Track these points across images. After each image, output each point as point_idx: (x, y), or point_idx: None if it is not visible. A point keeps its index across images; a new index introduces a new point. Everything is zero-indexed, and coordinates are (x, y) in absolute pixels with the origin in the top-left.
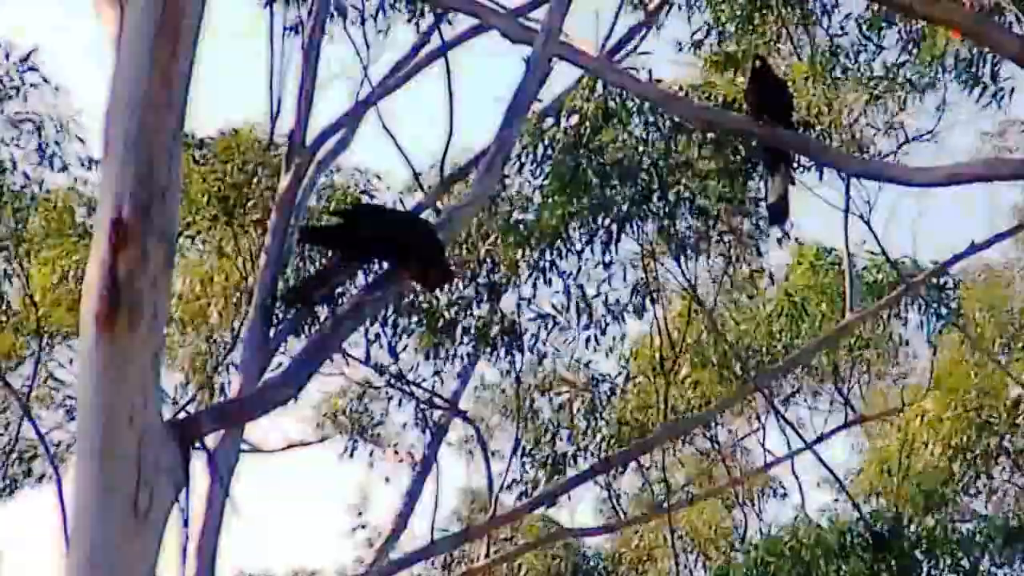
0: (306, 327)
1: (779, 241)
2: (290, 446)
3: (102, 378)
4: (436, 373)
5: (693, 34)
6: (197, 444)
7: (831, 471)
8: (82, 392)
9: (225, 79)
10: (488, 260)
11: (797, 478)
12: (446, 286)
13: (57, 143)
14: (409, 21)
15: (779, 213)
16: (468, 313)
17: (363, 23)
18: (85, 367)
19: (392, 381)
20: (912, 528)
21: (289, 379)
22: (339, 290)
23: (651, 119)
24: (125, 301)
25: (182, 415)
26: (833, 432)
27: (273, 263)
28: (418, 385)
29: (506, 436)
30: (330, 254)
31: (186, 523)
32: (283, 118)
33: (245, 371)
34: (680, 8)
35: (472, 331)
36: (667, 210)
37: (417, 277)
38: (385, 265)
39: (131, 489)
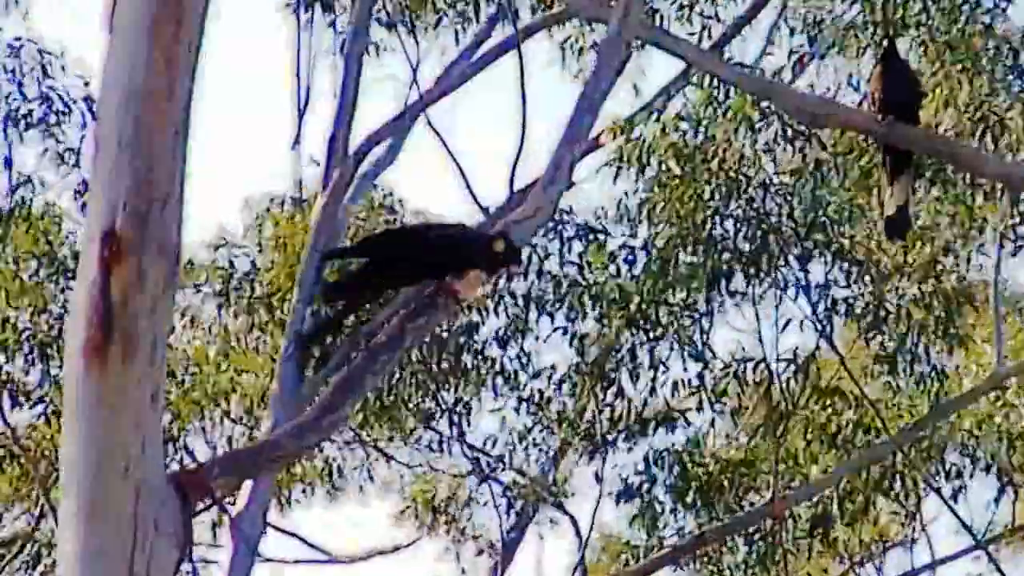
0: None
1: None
2: (377, 553)
3: (91, 420)
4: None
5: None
6: (207, 500)
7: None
8: (67, 437)
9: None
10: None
11: (925, 530)
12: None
13: None
14: (462, 16)
15: (898, 226)
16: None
17: (405, 10)
18: (71, 407)
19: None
20: None
21: (312, 424)
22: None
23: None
24: (119, 328)
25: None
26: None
27: (308, 296)
28: (496, 460)
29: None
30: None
31: None
32: (318, 125)
33: (277, 417)
34: None
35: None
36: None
37: (483, 263)
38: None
39: (126, 552)
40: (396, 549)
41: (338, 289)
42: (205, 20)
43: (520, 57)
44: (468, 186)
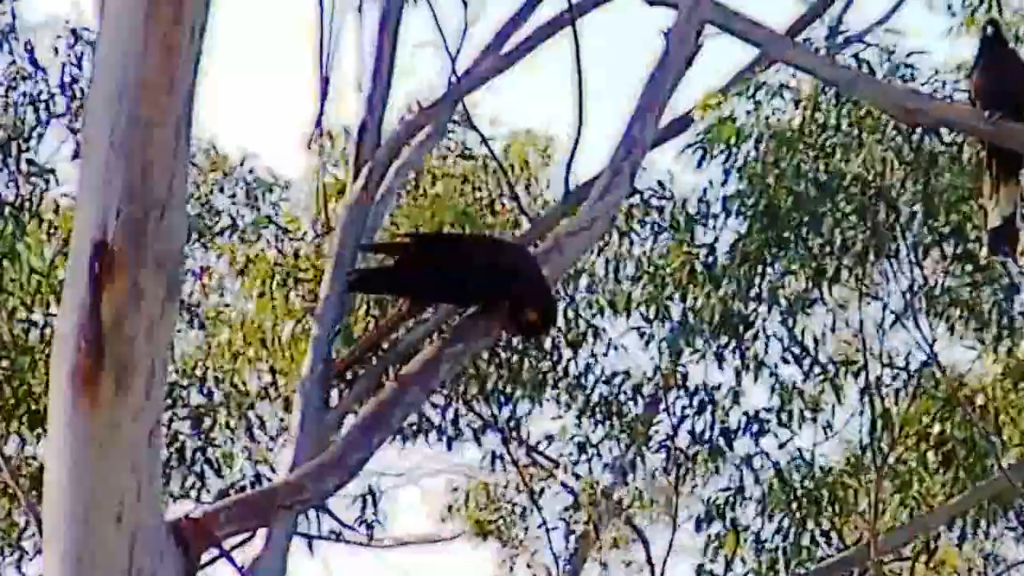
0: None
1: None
2: (416, 541)
3: (80, 460)
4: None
5: None
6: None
7: None
8: (53, 479)
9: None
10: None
11: None
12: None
13: None
14: None
15: (1003, 239)
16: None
17: None
18: (57, 444)
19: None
20: None
21: (335, 465)
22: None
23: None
24: (111, 354)
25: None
26: None
27: (335, 308)
28: (557, 466)
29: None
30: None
31: None
32: (345, 106)
33: (297, 451)
34: None
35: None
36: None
37: (511, 324)
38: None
39: None
40: (435, 541)
41: (368, 281)
42: (211, 1)
43: (575, 35)
44: (514, 194)
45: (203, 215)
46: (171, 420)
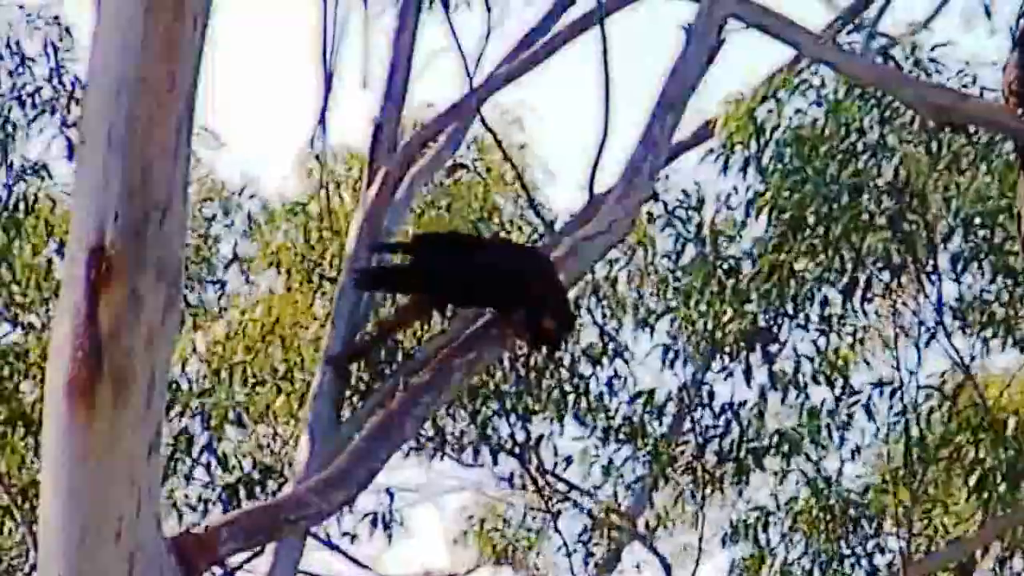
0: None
1: None
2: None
3: (76, 475)
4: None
5: None
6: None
7: None
8: (49, 495)
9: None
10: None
11: None
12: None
13: None
14: None
15: None
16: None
17: None
18: (53, 459)
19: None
20: None
21: (341, 478)
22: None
23: None
24: (109, 365)
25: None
26: None
27: (349, 314)
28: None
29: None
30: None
31: None
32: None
33: (306, 463)
34: None
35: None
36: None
37: (525, 332)
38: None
39: None
40: None
41: (376, 279)
42: None
43: (604, 36)
44: (531, 200)
45: (201, 247)
46: (181, 414)
